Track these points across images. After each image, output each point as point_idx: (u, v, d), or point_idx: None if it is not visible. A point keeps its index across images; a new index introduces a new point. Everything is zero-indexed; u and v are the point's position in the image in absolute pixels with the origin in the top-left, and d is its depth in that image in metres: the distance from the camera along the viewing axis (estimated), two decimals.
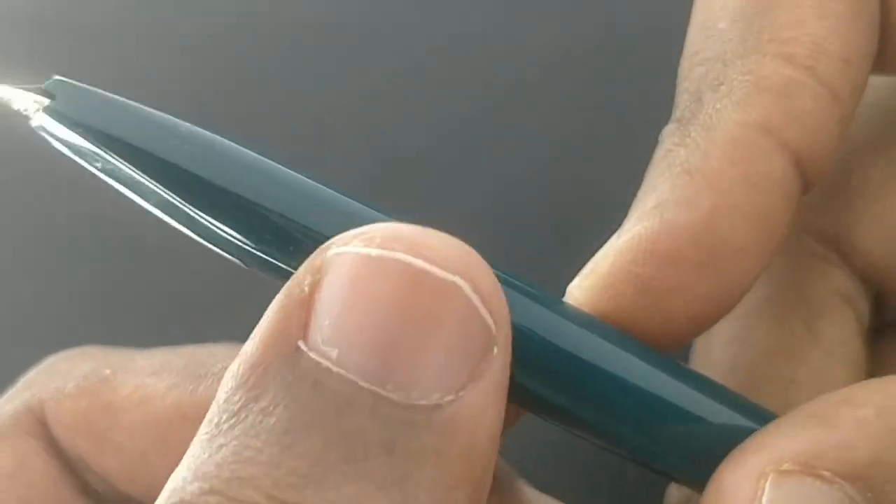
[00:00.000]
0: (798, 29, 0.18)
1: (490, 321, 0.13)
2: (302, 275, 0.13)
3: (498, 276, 0.14)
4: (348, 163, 0.29)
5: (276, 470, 0.12)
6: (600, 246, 0.19)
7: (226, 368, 0.19)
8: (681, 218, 0.17)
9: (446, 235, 0.13)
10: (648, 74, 0.28)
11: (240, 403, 0.13)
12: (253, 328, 0.20)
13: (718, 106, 0.18)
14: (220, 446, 0.13)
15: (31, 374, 0.21)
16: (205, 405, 0.19)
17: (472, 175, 0.29)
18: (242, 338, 0.21)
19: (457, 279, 0.13)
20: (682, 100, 0.19)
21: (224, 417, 0.13)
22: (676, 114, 0.19)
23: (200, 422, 0.19)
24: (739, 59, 0.18)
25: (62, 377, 0.20)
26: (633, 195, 0.26)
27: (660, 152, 0.18)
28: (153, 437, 0.19)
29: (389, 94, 0.30)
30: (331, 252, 0.13)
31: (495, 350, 0.13)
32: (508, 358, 0.13)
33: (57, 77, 0.16)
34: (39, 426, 0.20)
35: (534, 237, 0.28)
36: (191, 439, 0.19)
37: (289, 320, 0.13)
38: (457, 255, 0.13)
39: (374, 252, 0.13)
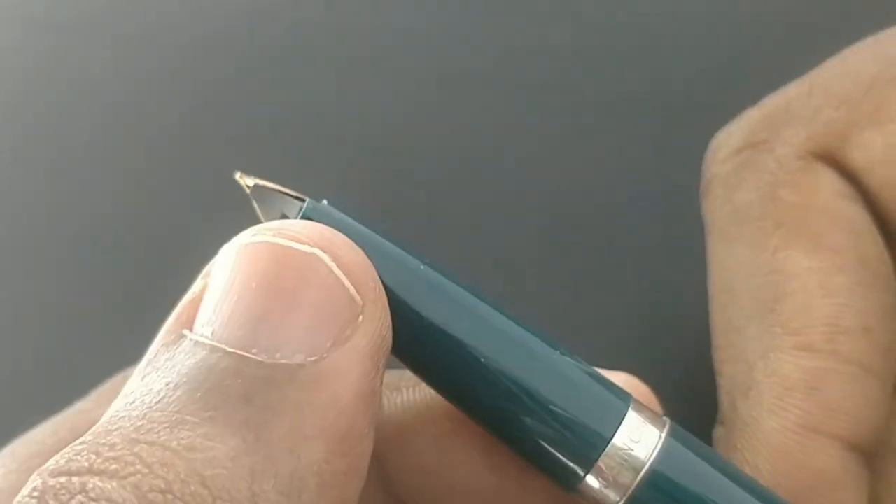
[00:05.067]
0: (808, 315, 0.18)
1: (353, 291, 0.14)
2: (196, 282, 0.15)
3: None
4: (348, 164, 0.29)
5: (139, 420, 0.13)
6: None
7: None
8: None
9: (312, 222, 0.15)
10: (649, 76, 0.28)
11: (131, 388, 0.14)
12: None
13: (753, 414, 0.18)
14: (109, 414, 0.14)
15: None
16: None
17: (472, 177, 0.29)
18: None
19: (316, 251, 0.14)
20: (722, 400, 0.19)
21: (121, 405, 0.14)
22: (720, 415, 0.19)
23: None
24: (760, 359, 0.18)
25: None
26: (632, 194, 0.26)
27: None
28: None
29: (389, 94, 0.30)
30: (217, 256, 0.15)
31: (360, 318, 0.14)
32: (377, 326, 0.14)
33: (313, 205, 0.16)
34: None
35: (533, 238, 0.28)
36: None
37: (179, 317, 0.14)
38: (318, 232, 0.14)
39: (246, 240, 0.14)
